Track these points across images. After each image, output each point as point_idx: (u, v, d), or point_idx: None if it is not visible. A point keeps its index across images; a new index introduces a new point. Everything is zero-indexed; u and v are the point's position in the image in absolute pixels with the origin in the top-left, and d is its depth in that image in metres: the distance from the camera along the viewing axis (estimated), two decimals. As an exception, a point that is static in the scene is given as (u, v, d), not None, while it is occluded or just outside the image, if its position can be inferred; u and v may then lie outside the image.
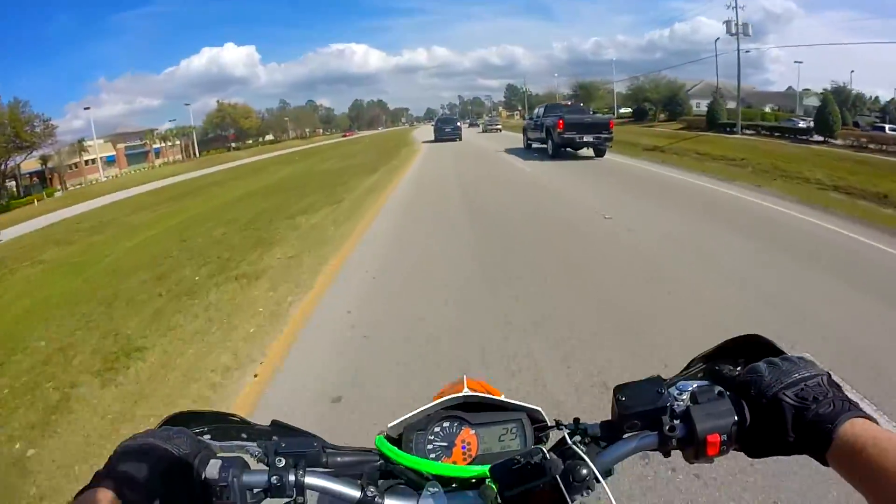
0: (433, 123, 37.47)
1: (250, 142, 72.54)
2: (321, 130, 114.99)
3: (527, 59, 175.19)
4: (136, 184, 34.60)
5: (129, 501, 0.56)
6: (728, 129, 26.58)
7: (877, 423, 0.53)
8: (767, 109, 43.36)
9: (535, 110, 21.61)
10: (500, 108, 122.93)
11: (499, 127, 44.64)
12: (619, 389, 0.67)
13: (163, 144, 54.25)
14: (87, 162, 47.46)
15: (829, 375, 0.59)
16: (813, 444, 0.54)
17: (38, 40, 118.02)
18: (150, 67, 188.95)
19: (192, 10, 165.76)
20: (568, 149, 16.93)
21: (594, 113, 21.14)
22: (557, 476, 0.60)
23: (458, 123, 34.86)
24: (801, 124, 26.57)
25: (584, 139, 16.36)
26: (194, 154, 55.73)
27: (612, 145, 16.96)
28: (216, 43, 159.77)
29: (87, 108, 55.22)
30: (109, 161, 50.54)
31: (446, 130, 31.90)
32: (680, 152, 18.33)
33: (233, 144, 67.92)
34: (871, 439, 0.50)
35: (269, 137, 78.19)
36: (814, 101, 37.15)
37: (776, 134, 24.72)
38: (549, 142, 17.27)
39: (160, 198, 22.13)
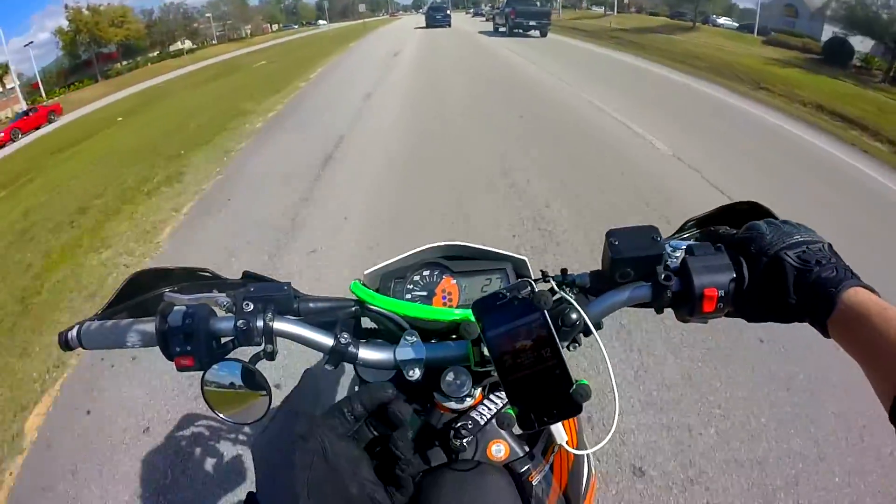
0: (424, 11, 39.18)
1: (155, 54, 50.92)
2: (272, 26, 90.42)
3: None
4: None
5: None
6: None
7: (878, 294, 0.50)
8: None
9: (501, 3, 30.78)
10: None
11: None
12: (612, 234, 0.63)
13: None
14: None
15: (830, 245, 0.56)
16: (815, 309, 0.52)
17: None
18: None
19: None
20: (519, 30, 23.23)
21: (540, 6, 25.46)
22: (546, 312, 0.55)
23: (448, 11, 35.89)
24: None
25: (530, 24, 23.03)
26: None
27: (550, 28, 23.56)
28: None
29: None
30: None
31: (437, 18, 33.97)
32: None
33: (119, 65, 46.46)
34: (877, 308, 0.48)
35: (185, 45, 55.86)
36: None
37: None
38: (507, 25, 24.01)
39: None
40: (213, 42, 60.81)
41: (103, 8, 43.30)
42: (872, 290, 0.51)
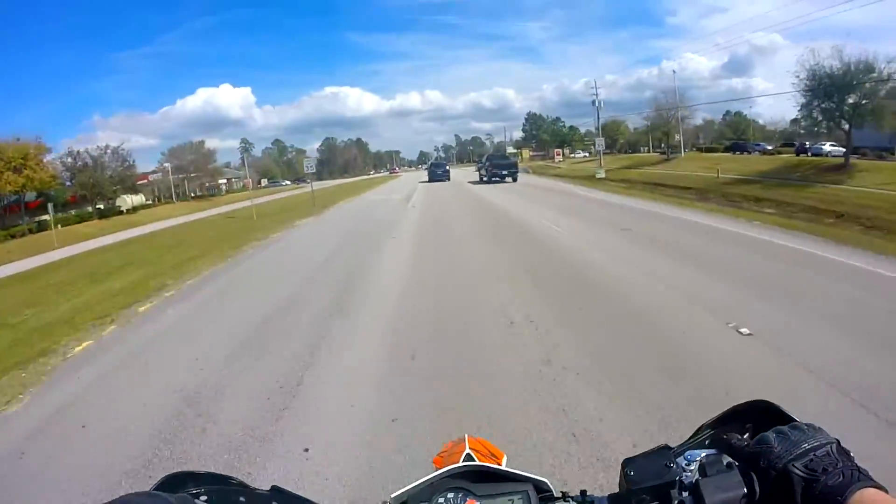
0: (426, 167, 49.15)
1: (92, 208, 39.30)
2: (260, 182, 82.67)
3: (519, 101, 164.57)
4: None
5: None
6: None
7: (886, 492, 0.53)
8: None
9: (482, 158, 41.08)
10: (520, 149, 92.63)
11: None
12: (627, 463, 0.67)
13: None
14: None
15: (838, 443, 0.59)
16: None
17: (37, 75, 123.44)
18: (145, 106, 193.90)
19: (189, 51, 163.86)
20: (495, 178, 31.86)
21: (510, 158, 38.10)
22: None
23: (447, 167, 44.20)
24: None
25: (503, 173, 32.02)
26: None
27: (518, 175, 32.80)
28: (212, 83, 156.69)
29: None
30: None
31: (438, 173, 40.58)
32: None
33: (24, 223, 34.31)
34: None
35: (134, 201, 44.67)
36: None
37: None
38: (487, 174, 33.04)
39: None
40: (172, 199, 50.51)
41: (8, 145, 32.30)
42: (881, 488, 0.52)
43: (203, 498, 0.67)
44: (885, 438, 2.91)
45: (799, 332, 4.62)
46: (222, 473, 0.76)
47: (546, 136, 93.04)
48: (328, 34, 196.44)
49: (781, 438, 0.60)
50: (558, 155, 64.89)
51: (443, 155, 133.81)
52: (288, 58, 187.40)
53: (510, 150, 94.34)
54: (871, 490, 0.51)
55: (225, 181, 64.71)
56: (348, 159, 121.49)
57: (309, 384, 4.31)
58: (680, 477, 0.63)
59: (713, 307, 5.44)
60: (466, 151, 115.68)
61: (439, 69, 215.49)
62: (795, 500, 0.55)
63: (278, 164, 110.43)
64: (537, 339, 4.93)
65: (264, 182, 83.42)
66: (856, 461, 0.56)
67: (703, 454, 0.66)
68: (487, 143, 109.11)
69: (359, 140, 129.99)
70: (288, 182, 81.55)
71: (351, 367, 4.65)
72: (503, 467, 0.80)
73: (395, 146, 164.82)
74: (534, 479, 0.78)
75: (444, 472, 0.79)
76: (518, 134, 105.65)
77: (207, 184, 56.65)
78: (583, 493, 0.71)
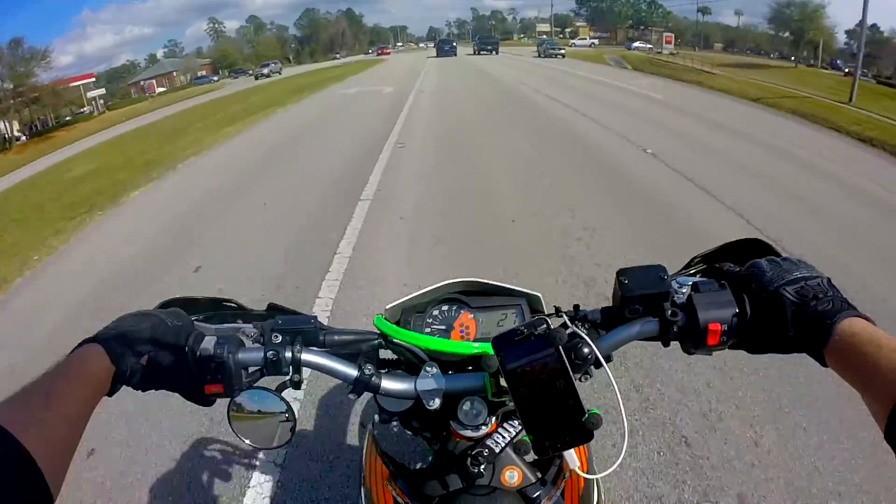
0: (435, 45, 53.64)
1: None
2: (184, 78, 58.98)
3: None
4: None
5: (117, 355, 0.59)
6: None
7: (873, 323, 0.54)
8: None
9: (475, 37, 60.78)
10: (571, 28, 65.52)
11: (562, 52, 35.91)
12: (622, 273, 0.67)
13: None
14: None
15: (829, 280, 0.59)
16: (811, 341, 0.55)
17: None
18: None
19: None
20: (482, 52, 44.58)
21: (493, 38, 54.14)
22: (561, 347, 0.60)
23: (454, 44, 49.38)
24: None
25: (487, 47, 46.39)
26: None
27: (499, 49, 46.76)
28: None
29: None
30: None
31: (445, 49, 45.35)
32: None
33: None
34: (869, 336, 0.51)
35: None
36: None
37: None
38: (476, 48, 47.97)
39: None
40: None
41: None
42: (868, 319, 0.54)
43: (200, 317, 0.67)
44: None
45: None
46: (220, 297, 0.73)
47: (625, 10, 64.55)
48: None
49: (773, 265, 0.60)
50: (669, 42, 40.33)
51: (455, 32, 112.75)
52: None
53: (541, 28, 68.02)
54: (860, 319, 0.53)
55: (96, 96, 42.19)
56: (334, 35, 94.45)
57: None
58: (673, 297, 0.63)
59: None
60: (486, 29, 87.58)
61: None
62: (785, 322, 0.56)
63: (252, 46, 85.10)
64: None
65: (191, 77, 59.58)
66: (846, 296, 0.56)
67: (697, 278, 0.67)
68: (510, 18, 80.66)
69: (349, 11, 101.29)
70: (216, 78, 56.99)
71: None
72: (498, 283, 0.79)
73: (404, 21, 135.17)
74: (528, 294, 0.79)
75: (440, 286, 0.78)
76: (566, 5, 77.62)
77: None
78: (575, 307, 0.71)
